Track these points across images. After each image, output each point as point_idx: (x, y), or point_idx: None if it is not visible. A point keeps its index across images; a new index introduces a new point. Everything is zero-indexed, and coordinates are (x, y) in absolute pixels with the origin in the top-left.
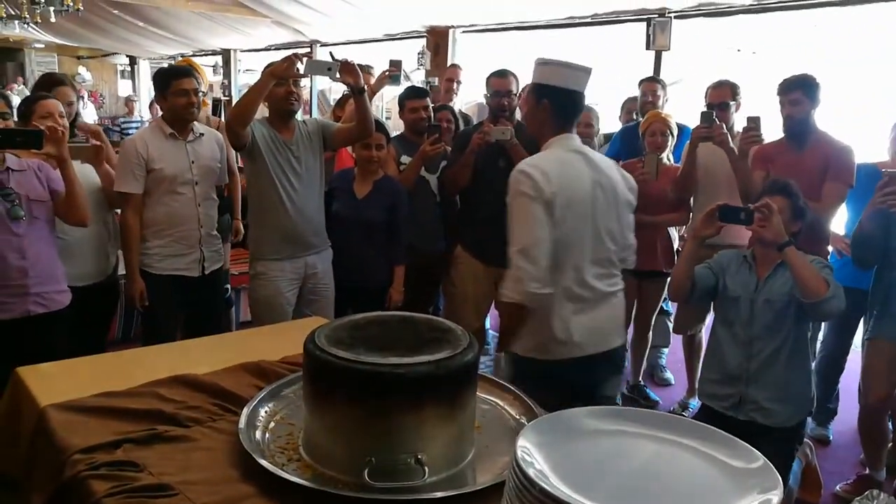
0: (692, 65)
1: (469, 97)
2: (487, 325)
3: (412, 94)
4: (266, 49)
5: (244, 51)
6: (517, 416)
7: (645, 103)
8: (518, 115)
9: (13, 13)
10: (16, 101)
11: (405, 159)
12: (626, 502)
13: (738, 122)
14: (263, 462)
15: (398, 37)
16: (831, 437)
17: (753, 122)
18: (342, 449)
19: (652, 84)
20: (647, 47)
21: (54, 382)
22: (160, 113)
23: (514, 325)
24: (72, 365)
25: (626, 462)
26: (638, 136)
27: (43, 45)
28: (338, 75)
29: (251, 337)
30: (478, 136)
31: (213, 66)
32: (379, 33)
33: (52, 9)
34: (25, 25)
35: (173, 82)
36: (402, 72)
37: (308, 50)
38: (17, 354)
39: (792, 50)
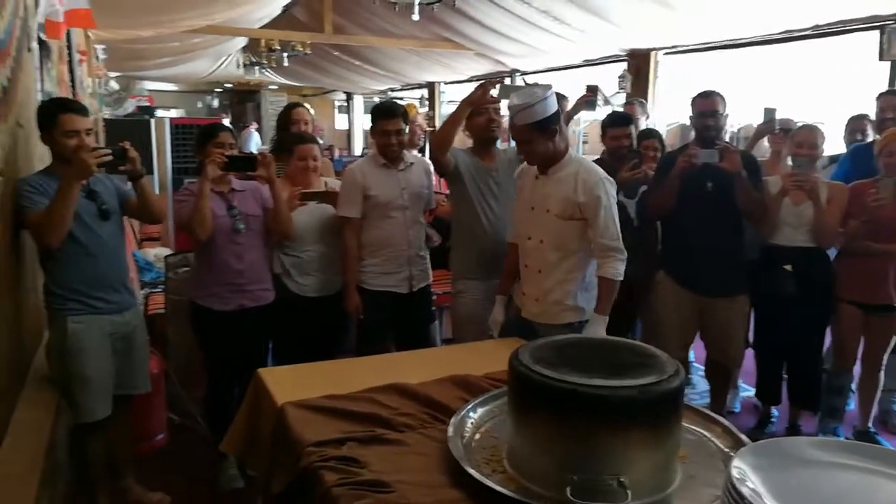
0: None
1: (671, 118)
2: (692, 357)
3: (615, 121)
4: (468, 80)
5: (447, 83)
6: (724, 448)
7: (883, 120)
8: (728, 136)
9: (254, 60)
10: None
11: None
12: None
13: None
14: (472, 471)
15: (597, 62)
16: None
17: None
18: (545, 465)
19: (891, 98)
20: (881, 58)
21: (288, 384)
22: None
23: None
24: (300, 369)
25: (851, 497)
26: (871, 157)
27: (276, 87)
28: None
29: (455, 352)
30: (683, 158)
31: (420, 99)
32: (578, 59)
33: (285, 54)
34: (264, 70)
35: (378, 122)
36: (598, 96)
37: (442, 94)
38: (237, 339)
39: None
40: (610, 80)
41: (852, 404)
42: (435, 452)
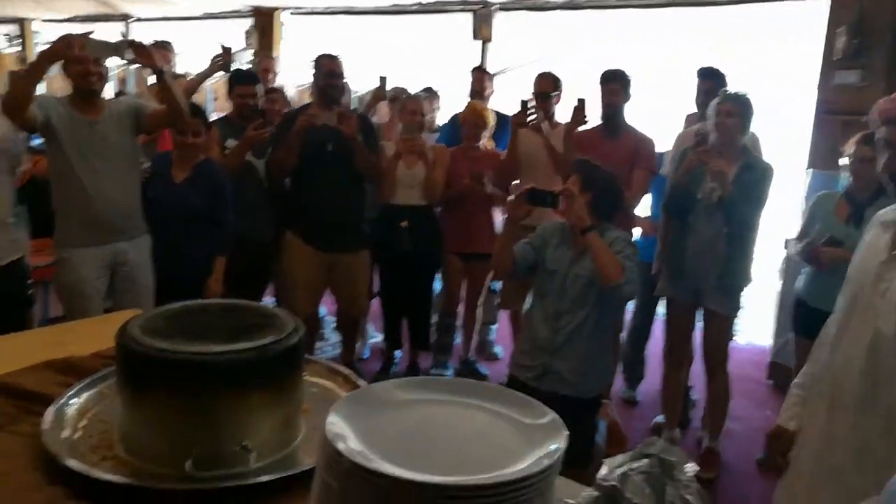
0: (515, 56)
1: (299, 80)
2: (323, 311)
3: (242, 79)
4: (70, 20)
5: (45, 20)
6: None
7: (474, 91)
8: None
9: None
10: None
11: (231, 143)
12: (424, 464)
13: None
14: (70, 462)
15: (220, 16)
16: (638, 398)
17: (580, 104)
18: (163, 443)
19: (480, 74)
20: (475, 37)
21: None
22: None
23: None
24: None
25: (428, 428)
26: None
27: None
28: (129, 56)
29: (59, 332)
30: (303, 118)
31: (7, 37)
32: (199, 11)
33: None
34: None
35: None
36: (232, 58)
37: (90, 30)
38: None
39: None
40: (237, 36)
41: (458, 339)
42: (27, 451)
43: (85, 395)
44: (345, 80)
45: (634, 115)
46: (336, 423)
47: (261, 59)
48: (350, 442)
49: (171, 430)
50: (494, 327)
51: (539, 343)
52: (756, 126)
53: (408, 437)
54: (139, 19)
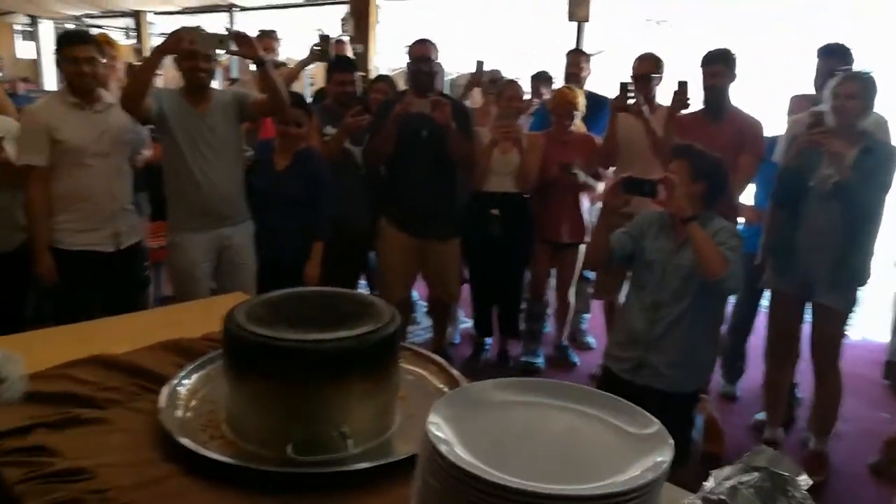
0: (610, 36)
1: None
2: (416, 296)
3: (341, 66)
4: (181, 12)
5: (158, 13)
6: (439, 385)
7: (569, 74)
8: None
9: None
10: None
11: (329, 130)
12: (525, 470)
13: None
14: (183, 440)
15: (319, 2)
16: (738, 394)
17: (682, 87)
18: (265, 426)
19: (576, 55)
20: (570, 19)
21: None
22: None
23: None
24: None
25: (529, 433)
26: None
27: None
28: (233, 48)
29: (172, 313)
30: (399, 106)
31: (125, 30)
32: None
33: None
34: None
35: (66, 48)
36: (330, 46)
37: (198, 24)
38: None
39: (707, 23)
40: (333, 22)
41: (549, 327)
42: (143, 427)
43: (195, 377)
44: (437, 64)
45: (743, 97)
46: (437, 425)
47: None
48: (453, 445)
49: (273, 415)
50: (587, 316)
51: (635, 335)
52: (882, 107)
53: (509, 441)
54: (243, 9)
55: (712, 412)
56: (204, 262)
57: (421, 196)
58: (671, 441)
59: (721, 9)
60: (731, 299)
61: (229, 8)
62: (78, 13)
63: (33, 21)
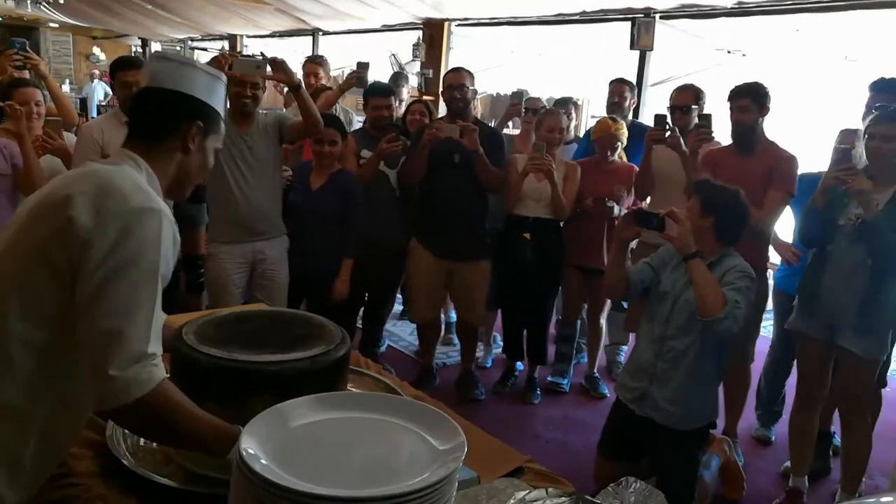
0: (679, 66)
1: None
2: (453, 317)
3: (377, 91)
4: (271, 35)
5: (250, 36)
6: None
7: (611, 104)
8: (477, 112)
9: None
10: None
11: (365, 153)
12: (329, 479)
13: None
14: (124, 461)
15: (396, 28)
16: (773, 438)
17: (705, 120)
18: None
19: (619, 85)
20: (632, 47)
21: None
22: None
23: None
24: None
25: (336, 442)
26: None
27: (57, 25)
28: (269, 72)
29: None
30: (429, 131)
31: (221, 51)
32: (377, 24)
33: None
34: (38, 4)
35: (119, 74)
36: (368, 73)
37: (245, 48)
38: None
39: (776, 53)
40: (406, 47)
41: (585, 358)
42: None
43: None
44: (472, 90)
45: (784, 132)
46: (248, 443)
47: (305, 63)
48: (263, 460)
49: None
50: (625, 348)
51: (641, 365)
52: None
53: (317, 454)
54: (325, 32)
55: (731, 455)
56: (237, 273)
57: (449, 218)
58: (464, 446)
59: (798, 41)
60: (768, 339)
61: (314, 32)
62: (182, 36)
63: (144, 43)
